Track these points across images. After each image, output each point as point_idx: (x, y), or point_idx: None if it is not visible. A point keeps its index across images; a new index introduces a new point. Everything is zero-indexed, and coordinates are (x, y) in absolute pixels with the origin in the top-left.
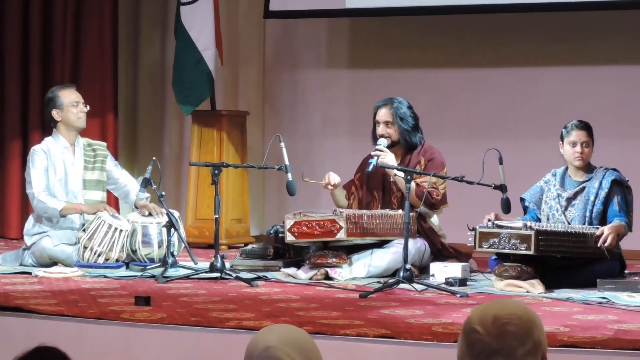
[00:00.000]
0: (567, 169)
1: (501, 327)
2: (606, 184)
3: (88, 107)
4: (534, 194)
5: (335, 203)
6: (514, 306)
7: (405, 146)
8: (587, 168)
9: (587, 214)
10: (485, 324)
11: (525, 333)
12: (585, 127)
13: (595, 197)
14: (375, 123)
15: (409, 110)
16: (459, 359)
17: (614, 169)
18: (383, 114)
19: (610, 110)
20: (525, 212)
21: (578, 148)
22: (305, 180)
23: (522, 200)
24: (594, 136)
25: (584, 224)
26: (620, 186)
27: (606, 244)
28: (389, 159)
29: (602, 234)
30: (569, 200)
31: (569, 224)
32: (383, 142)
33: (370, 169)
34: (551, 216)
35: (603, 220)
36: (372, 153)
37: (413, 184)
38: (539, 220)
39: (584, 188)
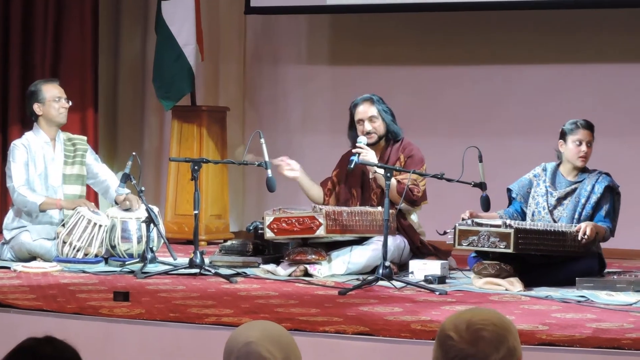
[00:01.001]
0: (558, 165)
1: (475, 333)
2: (599, 189)
3: (70, 103)
4: (522, 187)
5: (309, 197)
6: (488, 313)
7: (390, 139)
8: (581, 168)
9: (576, 215)
10: (459, 329)
11: (499, 339)
12: (590, 126)
13: (587, 201)
14: (355, 121)
15: (387, 106)
16: None
17: (607, 174)
18: (365, 110)
19: (590, 107)
20: (510, 203)
21: (584, 147)
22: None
23: (509, 190)
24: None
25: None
26: (611, 192)
27: (586, 235)
28: (370, 156)
29: (579, 229)
30: (560, 200)
31: (556, 222)
32: (363, 140)
33: (352, 166)
34: (537, 213)
35: None
36: (354, 150)
37: (394, 181)
38: (523, 212)
39: (575, 189)
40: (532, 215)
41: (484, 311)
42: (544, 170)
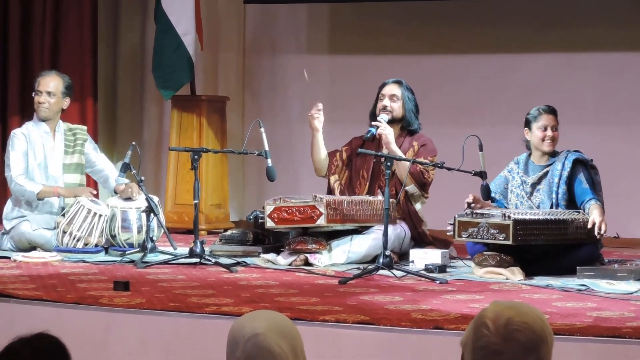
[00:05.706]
0: (529, 155)
1: (511, 333)
2: (568, 164)
3: (52, 98)
4: (498, 184)
5: (314, 158)
6: (533, 318)
7: (404, 127)
8: (551, 152)
9: (553, 195)
10: (498, 323)
11: (532, 346)
12: (553, 111)
13: (559, 179)
14: (379, 98)
15: (413, 97)
16: (462, 342)
17: (576, 150)
18: (391, 88)
19: (589, 97)
20: (492, 202)
21: (549, 132)
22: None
23: None
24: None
25: (551, 207)
26: (583, 165)
27: (602, 231)
28: (388, 131)
29: (594, 223)
30: (534, 185)
31: (538, 208)
32: (384, 117)
33: (368, 135)
34: (519, 204)
35: (571, 201)
36: (373, 123)
37: (407, 163)
38: (506, 208)
39: (547, 172)
40: (515, 207)
41: (529, 314)
42: (517, 163)
